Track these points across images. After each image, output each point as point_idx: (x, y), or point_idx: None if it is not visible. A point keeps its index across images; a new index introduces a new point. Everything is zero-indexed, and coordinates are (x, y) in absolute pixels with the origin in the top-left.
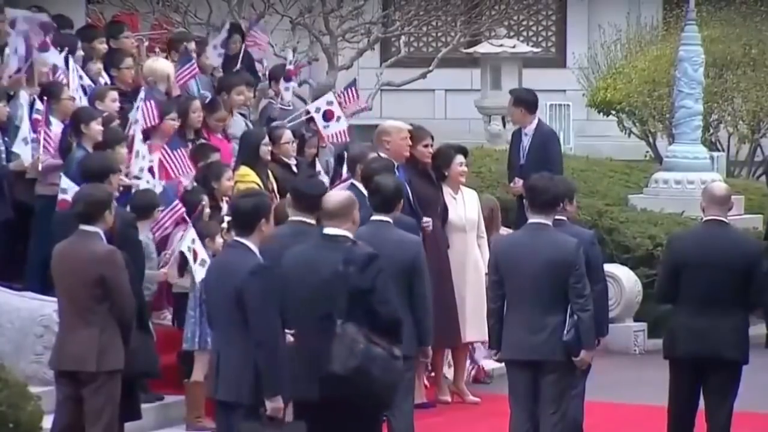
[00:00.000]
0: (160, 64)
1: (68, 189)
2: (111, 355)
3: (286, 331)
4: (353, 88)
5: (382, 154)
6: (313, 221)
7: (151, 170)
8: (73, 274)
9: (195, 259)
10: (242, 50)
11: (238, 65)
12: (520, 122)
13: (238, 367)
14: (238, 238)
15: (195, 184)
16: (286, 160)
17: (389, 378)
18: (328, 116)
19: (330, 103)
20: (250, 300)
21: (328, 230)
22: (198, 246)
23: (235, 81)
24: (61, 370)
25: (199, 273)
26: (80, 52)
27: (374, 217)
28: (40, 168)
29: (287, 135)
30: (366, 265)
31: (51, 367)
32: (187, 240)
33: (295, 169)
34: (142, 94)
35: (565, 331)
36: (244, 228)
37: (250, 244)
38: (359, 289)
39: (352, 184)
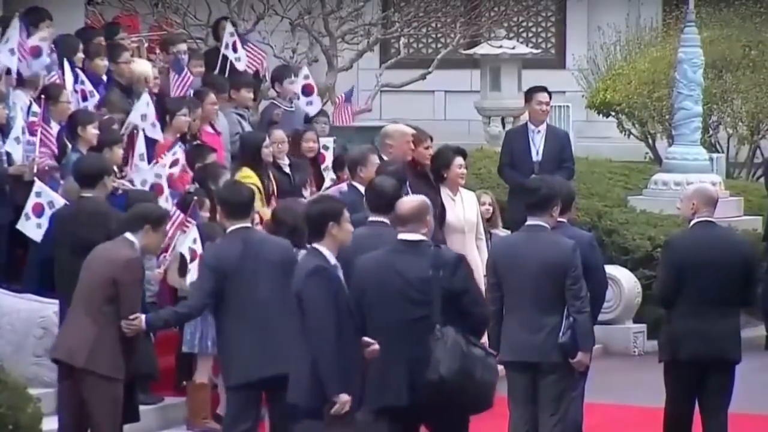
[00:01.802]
0: (137, 67)
1: (42, 192)
2: (103, 358)
3: (366, 339)
4: (349, 103)
5: (385, 157)
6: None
7: (158, 187)
8: (93, 272)
9: (193, 259)
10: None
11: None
12: (544, 119)
13: (295, 368)
14: (312, 244)
15: (196, 185)
16: (278, 160)
17: (490, 376)
18: (308, 90)
19: (306, 77)
20: (305, 301)
21: (405, 236)
22: (198, 246)
23: (218, 81)
24: (53, 358)
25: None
26: (80, 54)
27: (372, 218)
28: (35, 170)
29: (277, 135)
30: (456, 267)
31: (50, 354)
32: (188, 240)
33: (287, 170)
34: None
35: (560, 333)
36: (314, 233)
37: (322, 248)
38: (452, 292)
39: (350, 185)
